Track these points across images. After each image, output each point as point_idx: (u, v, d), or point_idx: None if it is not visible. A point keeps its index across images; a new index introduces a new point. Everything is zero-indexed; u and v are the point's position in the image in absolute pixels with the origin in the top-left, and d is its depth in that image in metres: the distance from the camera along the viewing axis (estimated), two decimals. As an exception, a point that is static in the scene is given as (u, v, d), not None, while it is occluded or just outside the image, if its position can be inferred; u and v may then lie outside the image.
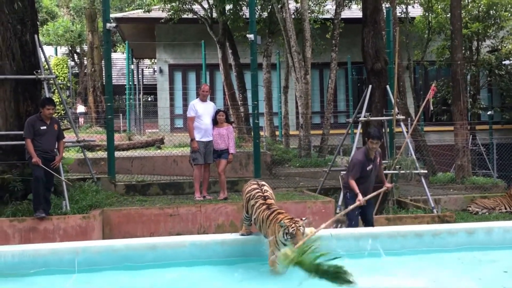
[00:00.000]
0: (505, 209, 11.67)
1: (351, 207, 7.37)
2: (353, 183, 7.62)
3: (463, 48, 17.75)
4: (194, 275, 6.35)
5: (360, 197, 7.45)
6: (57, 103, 18.29)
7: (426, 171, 11.10)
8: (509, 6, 20.37)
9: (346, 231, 7.21)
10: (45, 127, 8.38)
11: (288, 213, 6.20)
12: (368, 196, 7.59)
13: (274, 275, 5.95)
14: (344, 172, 9.07)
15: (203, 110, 9.90)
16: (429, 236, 7.02)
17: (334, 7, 17.40)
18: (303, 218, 5.92)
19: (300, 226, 5.75)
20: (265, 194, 6.49)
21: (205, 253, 6.61)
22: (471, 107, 20.09)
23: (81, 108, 25.84)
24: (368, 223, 7.90)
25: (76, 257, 6.33)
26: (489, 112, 20.35)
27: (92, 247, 6.56)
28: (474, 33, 19.98)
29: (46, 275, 6.20)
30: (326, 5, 20.55)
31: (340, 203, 9.67)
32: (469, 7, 20.32)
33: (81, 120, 24.91)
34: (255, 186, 6.63)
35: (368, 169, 7.76)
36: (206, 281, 6.15)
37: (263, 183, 6.76)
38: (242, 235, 6.81)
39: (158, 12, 19.79)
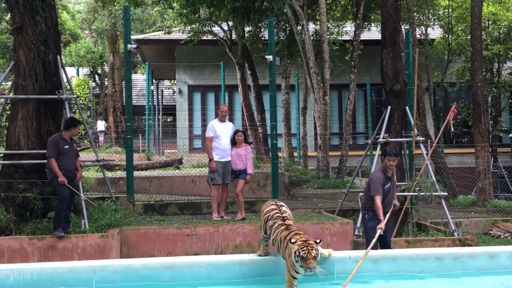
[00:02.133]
0: (528, 233, 11.43)
1: (374, 240, 7.20)
2: (380, 207, 7.42)
3: (484, 70, 17.62)
4: (211, 295, 6.33)
5: (382, 225, 7.32)
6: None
7: (446, 193, 10.94)
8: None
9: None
10: (67, 146, 8.46)
11: (306, 234, 6.16)
12: (385, 220, 7.48)
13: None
14: (363, 194, 8.98)
15: (221, 131, 9.93)
16: (450, 259, 6.92)
17: (353, 28, 17.46)
18: (317, 240, 5.86)
19: (312, 250, 5.66)
20: (284, 214, 6.46)
21: (223, 273, 6.59)
22: (492, 130, 19.86)
23: (101, 126, 25.80)
24: (386, 245, 7.78)
25: (94, 275, 6.37)
26: (510, 135, 20.09)
27: (110, 266, 6.59)
28: (495, 55, 19.86)
29: (64, 293, 6.24)
30: (345, 26, 20.63)
31: (358, 224, 9.57)
32: (490, 29, 20.22)
33: (101, 139, 25.09)
34: (274, 207, 6.61)
35: (386, 187, 7.67)
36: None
37: (282, 203, 6.74)
38: (259, 255, 6.78)
39: (178, 34, 20.06)
